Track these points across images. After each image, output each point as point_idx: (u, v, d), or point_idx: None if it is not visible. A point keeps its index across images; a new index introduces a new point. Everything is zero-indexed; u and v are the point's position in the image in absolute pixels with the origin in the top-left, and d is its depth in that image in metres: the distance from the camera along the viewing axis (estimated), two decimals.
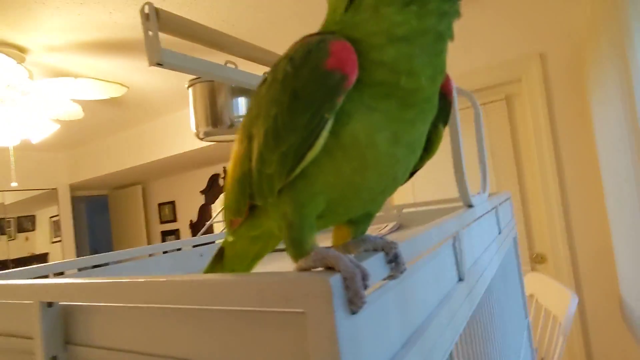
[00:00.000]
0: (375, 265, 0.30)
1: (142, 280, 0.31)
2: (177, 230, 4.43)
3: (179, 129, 3.26)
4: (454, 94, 0.38)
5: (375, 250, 0.31)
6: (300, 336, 0.25)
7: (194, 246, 0.97)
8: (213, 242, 1.01)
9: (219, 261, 0.43)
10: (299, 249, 0.30)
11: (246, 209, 0.34)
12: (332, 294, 0.24)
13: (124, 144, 3.70)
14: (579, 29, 1.76)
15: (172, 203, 4.48)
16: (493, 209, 0.82)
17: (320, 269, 0.27)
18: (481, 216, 0.69)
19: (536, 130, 1.91)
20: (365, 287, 0.25)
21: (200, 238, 1.00)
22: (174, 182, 4.46)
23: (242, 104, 0.90)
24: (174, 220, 4.45)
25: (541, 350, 1.44)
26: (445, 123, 0.36)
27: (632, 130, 1.16)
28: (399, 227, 1.16)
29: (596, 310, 1.77)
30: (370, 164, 0.30)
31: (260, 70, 0.78)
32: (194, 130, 0.92)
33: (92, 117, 3.01)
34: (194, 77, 0.90)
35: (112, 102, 2.68)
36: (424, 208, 1.20)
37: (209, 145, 2.96)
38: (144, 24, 0.54)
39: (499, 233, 0.84)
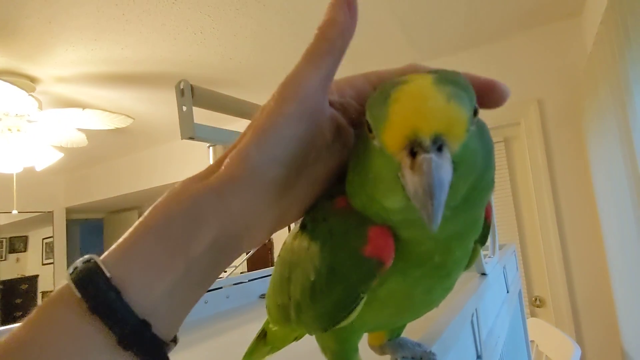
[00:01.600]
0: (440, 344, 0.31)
1: None
2: None
3: (178, 158, 3.28)
4: (493, 219, 0.40)
5: (414, 359, 0.32)
6: None
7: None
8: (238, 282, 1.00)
9: (262, 339, 0.45)
10: None
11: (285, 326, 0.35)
12: None
13: (122, 169, 3.71)
14: (576, 75, 1.83)
15: None
16: (502, 269, 0.84)
17: None
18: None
19: (534, 172, 1.95)
20: None
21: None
22: None
23: None
24: None
25: None
26: (482, 243, 0.37)
27: (631, 176, 1.19)
28: None
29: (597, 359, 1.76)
30: (407, 308, 0.32)
31: None
32: None
33: (95, 143, 3.03)
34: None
35: (116, 130, 2.71)
36: None
37: None
38: (178, 100, 0.57)
39: (507, 292, 0.86)
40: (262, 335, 0.45)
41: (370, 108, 0.23)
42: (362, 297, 0.28)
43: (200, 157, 2.83)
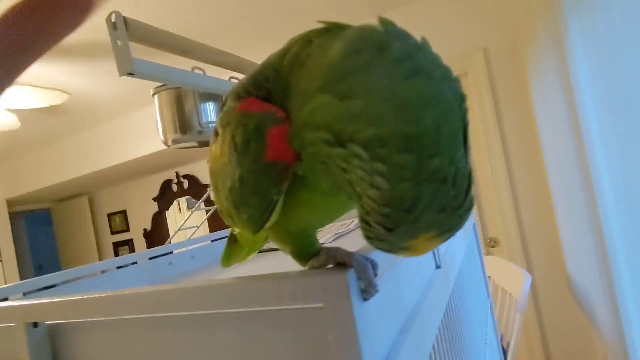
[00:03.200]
0: (381, 256, 0.32)
1: (148, 290, 0.31)
2: (131, 240, 4.24)
3: (125, 135, 3.12)
4: None
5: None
6: (319, 329, 0.27)
7: (150, 258, 0.93)
8: (171, 252, 0.99)
9: (235, 243, 0.45)
10: (305, 258, 0.31)
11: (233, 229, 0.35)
12: (349, 287, 0.25)
13: (65, 153, 3.49)
14: (518, 20, 1.89)
15: (124, 212, 4.28)
16: None
17: (330, 265, 0.29)
18: None
19: (484, 121, 2.03)
20: (375, 275, 0.27)
21: (158, 249, 0.96)
22: (123, 191, 4.27)
23: (210, 110, 0.89)
24: (127, 230, 4.26)
25: (500, 327, 1.54)
26: None
27: (571, 119, 1.27)
28: (338, 237, 1.19)
29: (546, 286, 1.91)
30: (334, 209, 0.32)
31: (226, 75, 0.77)
32: (162, 138, 0.89)
33: (29, 126, 2.81)
34: (159, 85, 0.88)
35: (51, 110, 2.53)
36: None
37: (159, 151, 2.87)
38: (111, 34, 0.53)
39: None
40: (233, 240, 0.45)
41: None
42: (277, 200, 0.27)
43: (149, 133, 2.71)
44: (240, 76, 0.84)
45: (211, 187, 0.34)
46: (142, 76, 0.53)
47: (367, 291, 0.26)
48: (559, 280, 1.86)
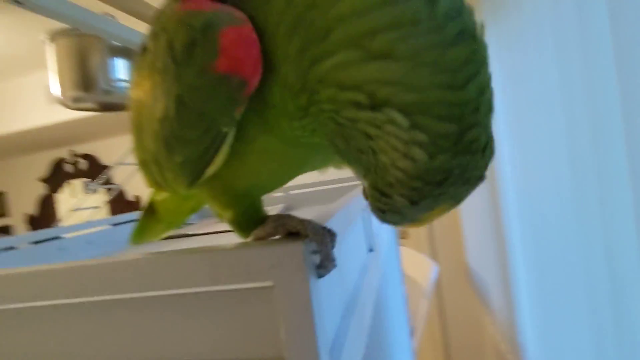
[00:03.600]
0: (336, 224, 0.28)
1: (61, 266, 0.23)
2: (9, 227, 3.70)
3: (6, 103, 2.69)
4: None
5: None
6: (266, 312, 0.22)
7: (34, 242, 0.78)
8: (60, 237, 0.85)
9: (151, 215, 0.36)
10: (248, 227, 0.26)
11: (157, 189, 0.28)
12: (304, 260, 0.21)
13: None
14: None
15: (2, 194, 3.71)
16: None
17: (278, 236, 0.24)
18: None
19: None
20: (332, 247, 0.23)
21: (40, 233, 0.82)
22: (2, 169, 3.70)
23: (121, 67, 0.76)
24: (3, 215, 3.70)
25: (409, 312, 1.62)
26: None
27: None
28: (286, 210, 1.15)
29: (449, 276, 2.06)
30: (287, 166, 0.27)
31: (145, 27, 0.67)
32: (59, 96, 0.74)
33: None
34: (56, 30, 0.73)
35: None
36: (309, 190, 1.21)
37: (50, 125, 2.52)
38: None
39: None
40: (150, 211, 0.36)
41: None
42: (226, 134, 0.21)
43: (38, 102, 2.35)
44: None
45: (132, 129, 0.26)
46: (33, 7, 0.43)
47: (324, 266, 0.22)
48: (460, 270, 2.02)
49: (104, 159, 3.40)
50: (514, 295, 1.16)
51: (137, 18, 0.58)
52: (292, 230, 0.23)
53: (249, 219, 0.26)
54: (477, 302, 1.81)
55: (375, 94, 0.17)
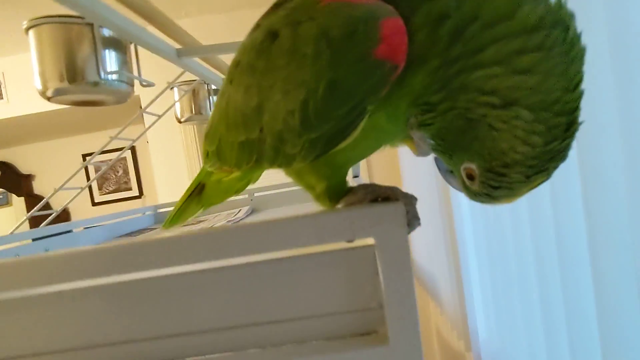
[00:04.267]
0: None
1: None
2: None
3: None
4: None
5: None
6: (367, 267, 0.24)
7: None
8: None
9: (197, 197, 0.39)
10: (337, 197, 0.29)
11: (249, 166, 0.30)
12: (405, 218, 0.24)
13: None
14: None
15: None
16: None
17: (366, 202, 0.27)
18: None
19: None
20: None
21: None
22: None
23: (113, 59, 0.71)
24: None
25: None
26: None
27: None
28: (252, 211, 1.16)
29: None
30: (381, 138, 0.30)
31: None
32: (39, 87, 0.68)
33: None
34: (39, 16, 0.67)
35: None
36: (274, 191, 1.23)
37: None
38: None
39: None
40: (198, 191, 0.39)
41: None
42: (368, 111, 0.24)
43: None
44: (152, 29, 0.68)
45: (228, 112, 0.28)
46: None
47: (411, 224, 0.26)
48: None
49: (23, 168, 3.10)
50: (465, 284, 1.26)
51: (128, 8, 0.57)
52: (382, 196, 0.26)
53: (340, 189, 0.29)
54: (425, 296, 1.92)
55: (509, 97, 0.22)
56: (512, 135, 0.22)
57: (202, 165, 0.36)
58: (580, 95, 0.22)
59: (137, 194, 3.38)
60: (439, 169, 0.29)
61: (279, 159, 0.27)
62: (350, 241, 0.25)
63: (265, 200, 1.22)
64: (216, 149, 0.31)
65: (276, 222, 0.24)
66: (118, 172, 3.42)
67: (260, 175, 0.39)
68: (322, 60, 0.23)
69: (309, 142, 0.25)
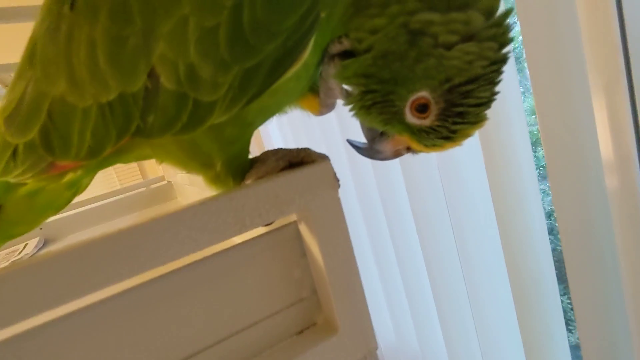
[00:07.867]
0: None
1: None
2: None
3: None
4: None
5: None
6: (293, 247, 0.20)
7: None
8: None
9: None
10: (240, 172, 0.22)
11: (115, 147, 0.19)
12: (335, 180, 0.20)
13: None
14: None
15: None
16: None
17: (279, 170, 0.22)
18: None
19: None
20: None
21: None
22: None
23: None
24: None
25: None
26: None
27: None
28: (45, 243, 0.90)
29: None
30: (292, 92, 0.25)
31: None
32: None
33: None
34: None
35: None
36: (70, 212, 0.98)
37: None
38: None
39: None
40: None
41: None
42: (320, 20, 0.18)
43: None
44: None
45: (59, 72, 0.18)
46: None
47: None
48: None
49: None
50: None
51: None
52: (296, 159, 0.21)
53: (244, 161, 0.22)
54: None
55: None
56: (467, 45, 0.21)
57: None
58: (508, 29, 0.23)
59: None
60: (364, 136, 0.26)
61: (184, 117, 0.18)
62: (269, 224, 0.20)
63: (60, 226, 0.96)
64: (41, 132, 0.20)
65: (177, 214, 0.17)
66: None
67: (94, 175, 0.28)
68: None
69: (241, 76, 0.17)
